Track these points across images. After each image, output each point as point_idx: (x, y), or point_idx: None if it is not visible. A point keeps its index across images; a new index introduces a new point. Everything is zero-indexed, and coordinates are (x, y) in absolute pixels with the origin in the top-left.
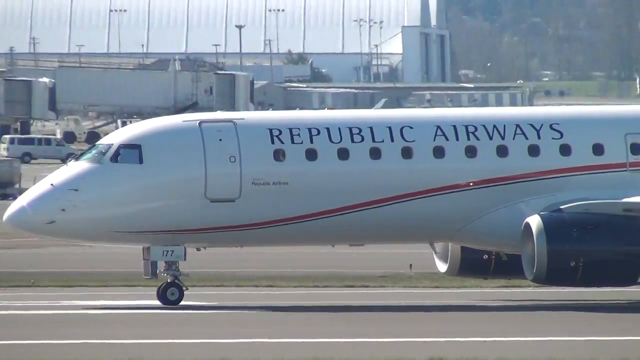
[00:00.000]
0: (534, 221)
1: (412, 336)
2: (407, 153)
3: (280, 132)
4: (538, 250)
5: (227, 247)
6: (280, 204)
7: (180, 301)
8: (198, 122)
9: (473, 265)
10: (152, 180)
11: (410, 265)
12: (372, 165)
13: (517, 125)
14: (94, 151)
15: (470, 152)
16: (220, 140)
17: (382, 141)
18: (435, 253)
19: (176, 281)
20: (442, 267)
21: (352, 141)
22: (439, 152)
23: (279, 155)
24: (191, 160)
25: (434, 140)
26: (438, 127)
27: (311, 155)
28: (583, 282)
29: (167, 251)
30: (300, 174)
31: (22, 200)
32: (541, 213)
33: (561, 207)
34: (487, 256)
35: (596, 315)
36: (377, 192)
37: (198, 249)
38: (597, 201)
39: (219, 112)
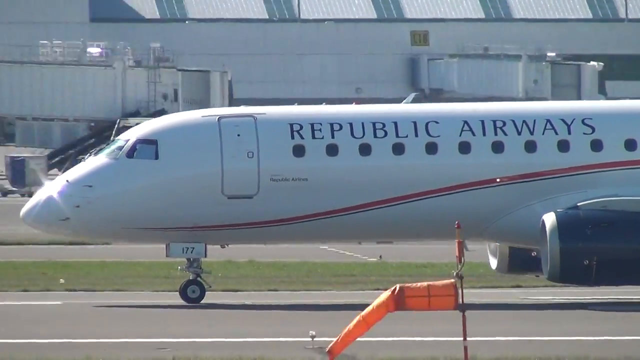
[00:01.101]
0: (549, 219)
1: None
2: (431, 148)
3: (301, 127)
4: (551, 248)
5: (247, 244)
6: (300, 200)
7: (201, 299)
8: (217, 117)
9: (522, 261)
10: (168, 177)
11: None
12: (395, 161)
13: (548, 120)
14: (112, 146)
15: (498, 147)
16: (239, 135)
17: (406, 136)
18: (489, 249)
19: (198, 279)
20: (493, 263)
21: (375, 136)
22: (464, 148)
23: (298, 150)
24: (208, 156)
25: (460, 135)
26: (465, 122)
27: (332, 150)
28: (598, 281)
29: (188, 248)
30: (320, 169)
31: (37, 197)
32: (558, 210)
33: (578, 204)
34: (535, 253)
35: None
36: (398, 189)
37: (222, 246)
38: (616, 198)
39: (242, 107)
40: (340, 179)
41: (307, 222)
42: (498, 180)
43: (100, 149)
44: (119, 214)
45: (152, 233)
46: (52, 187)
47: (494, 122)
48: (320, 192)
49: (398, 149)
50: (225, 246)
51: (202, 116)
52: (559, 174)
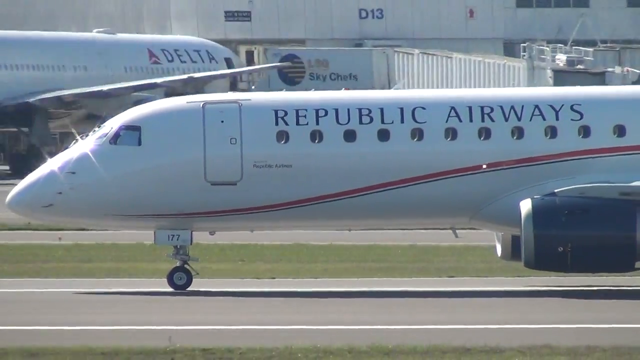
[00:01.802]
0: (525, 205)
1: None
2: (417, 135)
3: (286, 113)
4: (525, 235)
5: (233, 231)
6: (284, 187)
7: (188, 286)
8: (202, 103)
9: None
10: (150, 163)
11: None
12: (380, 147)
13: (536, 106)
14: (97, 132)
15: (484, 133)
16: (222, 121)
17: (392, 122)
18: (495, 236)
19: (185, 266)
20: (499, 251)
21: (360, 122)
22: (451, 134)
23: (282, 137)
24: (191, 142)
25: (447, 121)
26: (452, 108)
27: (316, 137)
28: (574, 268)
29: (173, 235)
30: (303, 156)
31: (22, 184)
32: (535, 197)
33: (555, 190)
34: None
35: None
36: (383, 175)
37: (211, 233)
38: (593, 185)
39: (229, 92)
40: (324, 165)
41: (292, 209)
42: (484, 166)
43: (87, 135)
44: (102, 200)
45: (137, 220)
46: (37, 173)
47: (482, 108)
48: (304, 179)
49: (383, 135)
50: (214, 233)
51: (188, 102)
52: (547, 160)
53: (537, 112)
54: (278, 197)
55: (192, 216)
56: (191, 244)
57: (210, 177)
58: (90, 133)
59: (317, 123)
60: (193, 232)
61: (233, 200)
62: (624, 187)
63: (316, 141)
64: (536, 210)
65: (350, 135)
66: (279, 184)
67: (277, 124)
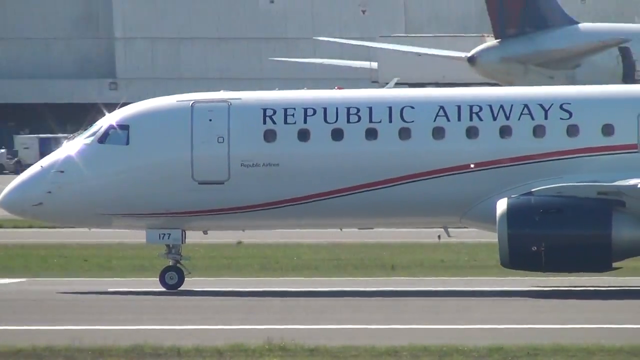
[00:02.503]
0: (501, 205)
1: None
2: (405, 134)
3: (274, 112)
4: (500, 234)
5: (223, 230)
6: (271, 186)
7: (180, 285)
8: (191, 102)
9: None
10: (138, 162)
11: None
12: (367, 146)
13: (525, 105)
14: (87, 131)
15: (472, 133)
16: (210, 120)
17: (380, 122)
18: None
19: (178, 265)
20: None
21: (348, 121)
22: (438, 133)
23: (269, 136)
24: (178, 141)
25: (434, 120)
26: (441, 107)
27: (303, 135)
28: (549, 268)
29: (164, 234)
30: (290, 155)
31: (14, 183)
32: (512, 196)
33: (533, 189)
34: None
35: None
36: (369, 175)
37: (205, 232)
38: (571, 184)
39: (221, 91)
40: (311, 164)
41: (280, 208)
42: (472, 166)
43: (78, 134)
44: (90, 199)
45: (126, 219)
46: (28, 172)
47: (471, 107)
48: (291, 178)
49: (371, 134)
50: (207, 232)
51: (177, 101)
52: (535, 160)
53: (525, 111)
54: (266, 197)
55: (180, 215)
56: (183, 243)
57: (198, 177)
58: (82, 132)
59: (305, 122)
60: (186, 232)
61: (221, 199)
62: (601, 187)
63: (304, 140)
64: (510, 210)
65: (337, 134)
66: (267, 183)
67: (264, 122)
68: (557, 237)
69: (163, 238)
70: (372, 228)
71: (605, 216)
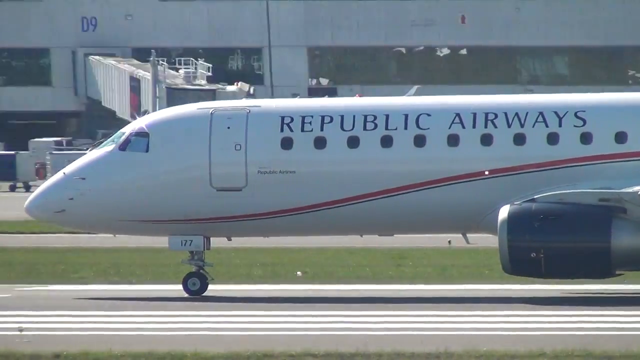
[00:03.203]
0: (503, 212)
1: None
2: (420, 141)
3: (292, 120)
4: (500, 241)
5: (242, 237)
6: (288, 193)
7: (202, 292)
8: (212, 110)
9: None
10: (157, 169)
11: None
12: (383, 154)
13: (540, 113)
14: (110, 139)
15: (487, 140)
16: (229, 128)
17: (395, 129)
18: None
19: (201, 271)
20: None
21: (365, 129)
22: (453, 140)
23: (286, 143)
24: (197, 148)
25: (450, 128)
26: (457, 114)
27: (320, 143)
28: (549, 274)
29: (186, 241)
30: (307, 162)
31: (39, 190)
32: (514, 203)
33: (535, 196)
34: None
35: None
36: (385, 182)
37: (228, 239)
38: (573, 191)
39: (244, 99)
40: (328, 171)
41: (297, 215)
42: (486, 173)
43: (102, 142)
44: (110, 206)
45: (147, 225)
46: (52, 179)
47: (486, 114)
48: (307, 185)
49: (386, 141)
50: (230, 238)
51: (198, 108)
52: (549, 167)
53: (540, 118)
54: (283, 203)
55: (200, 222)
56: (208, 249)
57: (216, 183)
58: (106, 140)
59: (322, 129)
60: (210, 238)
61: (239, 206)
62: (603, 193)
63: (320, 148)
64: (511, 217)
65: (353, 142)
66: (283, 190)
67: (282, 130)
68: (557, 243)
69: (185, 244)
70: (391, 235)
71: (604, 223)
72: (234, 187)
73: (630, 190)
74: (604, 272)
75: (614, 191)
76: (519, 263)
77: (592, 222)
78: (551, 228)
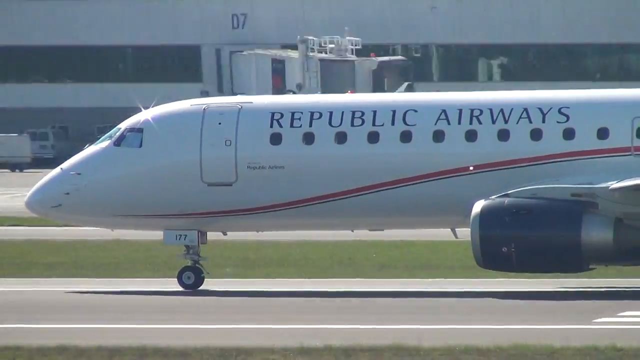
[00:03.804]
0: (476, 206)
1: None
2: (406, 137)
3: (282, 116)
4: (472, 235)
5: (236, 231)
6: (277, 188)
7: (198, 286)
8: (204, 106)
9: None
10: (150, 164)
11: None
12: (369, 149)
13: (525, 109)
14: (107, 134)
15: (471, 136)
16: (220, 124)
17: (382, 125)
18: None
19: (197, 265)
20: None
21: (352, 125)
22: (438, 136)
23: (275, 139)
24: (188, 144)
25: (435, 124)
26: (443, 110)
27: (308, 138)
28: (520, 268)
29: (181, 235)
30: (295, 157)
31: (37, 185)
32: (489, 198)
33: (508, 191)
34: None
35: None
36: (372, 177)
37: (224, 233)
38: (545, 186)
39: (238, 96)
40: (316, 166)
41: (286, 210)
42: (471, 168)
43: (100, 138)
44: (106, 201)
45: (142, 220)
46: (49, 175)
47: (472, 110)
48: (296, 180)
49: (373, 137)
50: (227, 233)
51: (191, 105)
52: (532, 162)
53: (524, 114)
54: (272, 198)
55: (193, 216)
56: (204, 243)
57: (207, 178)
58: (102, 136)
59: (311, 125)
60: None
61: (230, 201)
62: (575, 189)
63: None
64: (482, 211)
65: (341, 137)
66: (273, 185)
67: (271, 126)
68: (527, 238)
69: (179, 239)
70: (382, 229)
71: (575, 217)
72: (225, 182)
73: (601, 185)
74: (575, 267)
75: (585, 186)
76: (490, 257)
77: (563, 217)
78: (522, 222)
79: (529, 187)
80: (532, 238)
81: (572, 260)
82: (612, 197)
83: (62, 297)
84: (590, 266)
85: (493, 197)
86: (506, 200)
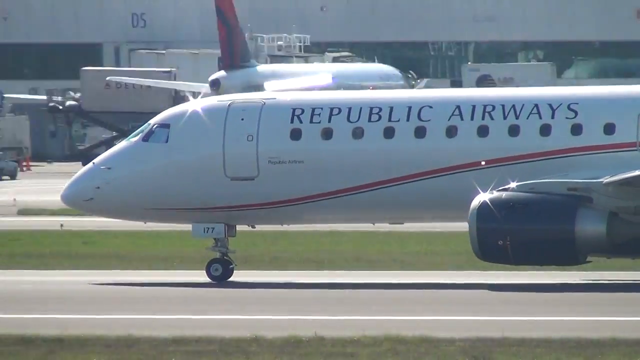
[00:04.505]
0: (475, 200)
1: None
2: (420, 132)
3: (303, 112)
4: (470, 228)
5: (260, 224)
6: (296, 182)
7: (226, 278)
8: (229, 102)
9: None
10: (175, 159)
11: None
12: (385, 144)
13: (536, 105)
14: (137, 130)
15: (482, 131)
16: (242, 119)
17: (398, 120)
18: None
19: (225, 258)
20: None
21: (369, 120)
22: (451, 132)
23: (295, 134)
24: (212, 139)
25: (449, 120)
26: (458, 107)
27: (327, 134)
28: (517, 260)
29: (208, 228)
30: (314, 152)
31: (72, 179)
32: (490, 192)
33: (507, 185)
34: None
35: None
36: (388, 171)
37: (252, 226)
38: (543, 180)
39: (265, 92)
40: (333, 161)
41: (307, 204)
42: (483, 163)
43: (132, 133)
44: (134, 194)
45: (170, 213)
46: (83, 169)
47: (484, 107)
48: (315, 174)
49: (388, 132)
50: (255, 226)
51: (218, 101)
52: (541, 157)
53: (535, 110)
54: (293, 192)
55: (218, 210)
56: (233, 236)
57: (230, 173)
58: (135, 132)
59: (330, 121)
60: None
61: (252, 194)
62: (571, 183)
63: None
64: (480, 205)
65: (358, 133)
66: (293, 179)
67: (292, 121)
68: (523, 231)
69: (207, 232)
70: (402, 223)
71: (569, 211)
72: (247, 176)
73: (596, 180)
74: (570, 259)
75: (581, 181)
76: (487, 249)
77: (557, 211)
78: (517, 216)
79: (528, 182)
80: (527, 231)
81: (567, 253)
82: (605, 191)
83: (87, 288)
84: (587, 260)
85: (492, 191)
86: (504, 194)
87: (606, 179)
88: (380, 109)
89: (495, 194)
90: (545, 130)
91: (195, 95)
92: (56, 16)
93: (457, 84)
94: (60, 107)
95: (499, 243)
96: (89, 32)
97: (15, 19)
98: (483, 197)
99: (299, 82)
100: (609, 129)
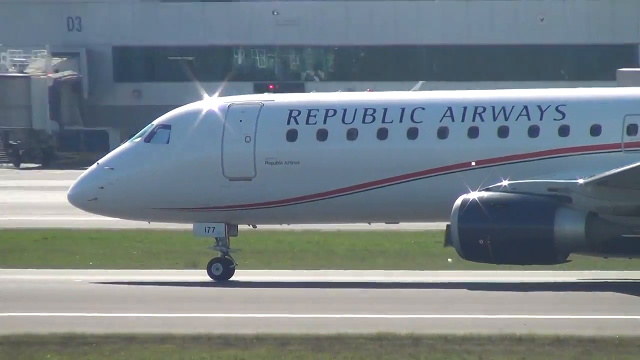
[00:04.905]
0: (458, 200)
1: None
2: (412, 133)
3: (299, 113)
4: (452, 227)
5: (259, 224)
6: (292, 182)
7: (227, 277)
8: (229, 104)
9: None
10: (175, 160)
11: None
12: (378, 145)
13: (525, 107)
14: (141, 131)
15: (473, 132)
16: (241, 121)
17: (391, 122)
18: None
19: (226, 257)
20: None
21: (363, 122)
22: (442, 133)
23: (291, 135)
24: (211, 140)
25: (441, 121)
26: (449, 108)
27: (322, 135)
28: (498, 259)
29: (209, 228)
30: (310, 153)
31: (77, 179)
32: (472, 192)
33: (490, 186)
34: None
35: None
36: (381, 172)
37: (254, 226)
38: (524, 181)
39: (265, 94)
40: (328, 162)
41: (303, 204)
42: (473, 163)
43: (135, 135)
44: (136, 194)
45: (172, 213)
46: (88, 169)
47: (475, 108)
48: (310, 175)
49: (382, 133)
50: (256, 226)
51: (218, 102)
52: (529, 158)
53: (524, 112)
54: (289, 192)
55: (217, 210)
56: (234, 235)
57: (228, 173)
58: (138, 133)
59: (325, 122)
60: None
61: (250, 195)
62: (551, 183)
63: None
64: (462, 205)
65: (352, 134)
66: (290, 179)
67: (288, 123)
68: (503, 231)
69: (208, 231)
70: (397, 222)
71: (548, 211)
72: (245, 177)
73: (574, 180)
74: (549, 258)
75: (560, 181)
76: (469, 249)
77: (537, 211)
78: (498, 216)
79: (510, 182)
80: (507, 231)
81: (546, 252)
82: (584, 191)
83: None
84: (567, 258)
85: (474, 191)
86: (485, 194)
87: (584, 179)
88: (375, 111)
89: (476, 194)
90: (533, 131)
91: None
92: None
93: None
94: None
95: (480, 242)
96: None
97: None
98: (464, 197)
99: None
100: (596, 130)
